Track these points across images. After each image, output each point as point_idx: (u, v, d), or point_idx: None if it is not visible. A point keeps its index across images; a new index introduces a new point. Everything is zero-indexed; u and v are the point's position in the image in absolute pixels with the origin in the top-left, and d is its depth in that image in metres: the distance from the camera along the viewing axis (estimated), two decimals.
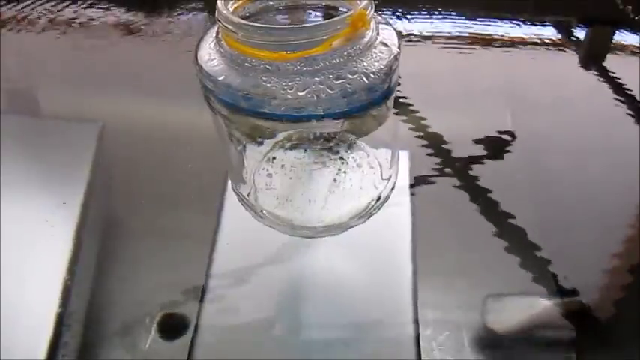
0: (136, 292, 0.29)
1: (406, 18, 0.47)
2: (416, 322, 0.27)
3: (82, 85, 0.42)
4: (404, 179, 0.33)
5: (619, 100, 0.39)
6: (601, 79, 0.41)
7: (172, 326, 0.27)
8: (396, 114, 0.37)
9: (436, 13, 0.48)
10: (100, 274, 0.29)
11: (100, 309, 0.28)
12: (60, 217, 0.31)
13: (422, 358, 0.26)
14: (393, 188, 0.30)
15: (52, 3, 0.49)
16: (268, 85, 0.22)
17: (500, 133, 0.36)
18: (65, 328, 0.27)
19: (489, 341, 0.27)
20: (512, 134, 0.36)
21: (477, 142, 0.36)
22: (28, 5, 0.49)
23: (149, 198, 0.33)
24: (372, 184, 0.30)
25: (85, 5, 0.49)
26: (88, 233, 0.31)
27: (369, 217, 0.29)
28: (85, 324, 0.27)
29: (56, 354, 0.26)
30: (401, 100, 0.38)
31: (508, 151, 0.35)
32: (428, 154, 0.35)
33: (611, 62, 0.43)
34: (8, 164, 0.34)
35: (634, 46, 0.45)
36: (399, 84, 0.25)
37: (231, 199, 0.32)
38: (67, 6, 0.49)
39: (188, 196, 0.33)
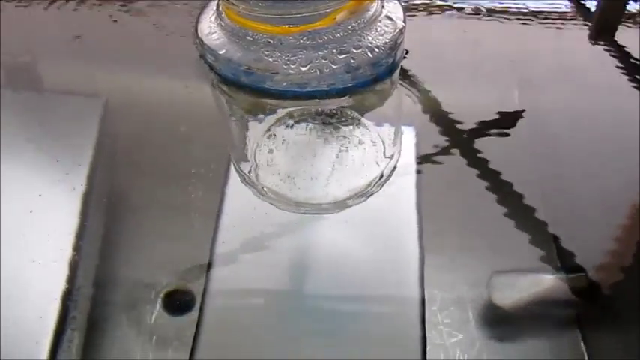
0: (141, 267, 0.29)
1: None
2: (421, 297, 0.27)
3: (84, 59, 0.41)
4: (410, 155, 0.32)
5: (630, 72, 0.39)
6: (612, 51, 0.41)
7: (178, 301, 0.27)
8: (402, 88, 0.36)
9: None
10: (106, 250, 0.29)
11: (105, 284, 0.28)
12: (64, 192, 0.31)
13: (427, 333, 0.26)
14: (395, 166, 0.29)
15: None
16: (270, 59, 0.22)
17: (509, 108, 0.36)
18: (72, 304, 0.27)
19: (494, 317, 0.27)
20: (521, 109, 0.36)
21: (484, 117, 0.35)
22: None
23: (153, 173, 0.33)
24: (374, 162, 0.29)
25: None
26: (92, 209, 0.31)
27: (371, 194, 0.28)
28: (91, 299, 0.27)
29: (64, 328, 0.26)
30: (408, 73, 0.38)
31: (516, 126, 0.35)
32: (435, 130, 0.35)
33: (622, 34, 0.42)
34: (10, 140, 0.34)
35: None
36: (405, 57, 0.25)
37: (235, 174, 0.31)
38: None
39: (192, 170, 0.33)
